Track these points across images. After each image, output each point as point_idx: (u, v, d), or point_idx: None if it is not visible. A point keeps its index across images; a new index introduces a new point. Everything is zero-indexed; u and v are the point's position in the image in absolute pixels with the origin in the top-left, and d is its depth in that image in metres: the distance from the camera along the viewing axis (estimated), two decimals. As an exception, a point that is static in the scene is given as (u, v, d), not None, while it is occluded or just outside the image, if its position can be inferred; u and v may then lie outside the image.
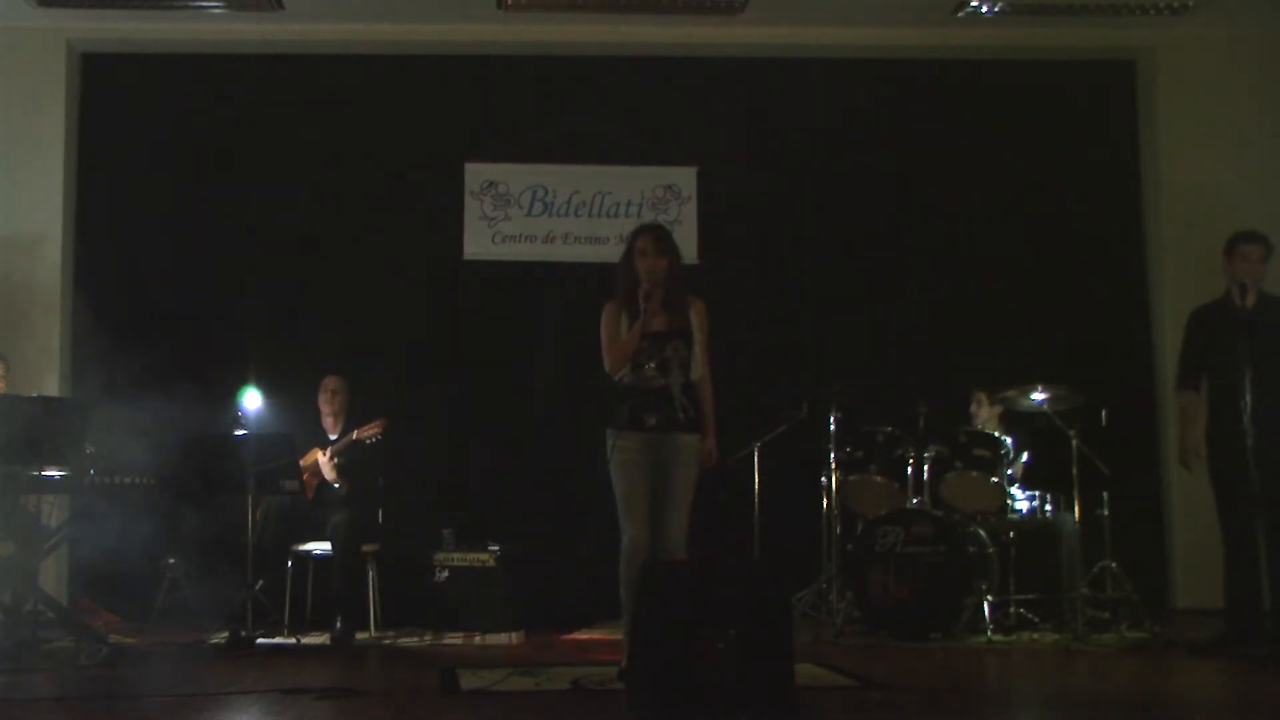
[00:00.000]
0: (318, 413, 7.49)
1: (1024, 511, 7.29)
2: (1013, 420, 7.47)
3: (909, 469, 7.34)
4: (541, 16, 8.11)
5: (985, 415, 7.55)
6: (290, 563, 7.23)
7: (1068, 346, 8.10)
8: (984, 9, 8.03)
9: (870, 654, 6.39)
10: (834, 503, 7.50)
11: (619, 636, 5.55)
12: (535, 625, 7.18)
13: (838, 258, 8.42)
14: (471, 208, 8.39)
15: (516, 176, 8.41)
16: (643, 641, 4.83)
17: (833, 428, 7.34)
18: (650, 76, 8.50)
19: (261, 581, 6.94)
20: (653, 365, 5.41)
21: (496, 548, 7.30)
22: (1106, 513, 7.09)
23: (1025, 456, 7.29)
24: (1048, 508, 7.29)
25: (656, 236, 5.53)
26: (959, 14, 8.09)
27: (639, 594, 4.98)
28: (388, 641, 6.97)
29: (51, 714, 5.04)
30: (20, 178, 8.03)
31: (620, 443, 5.38)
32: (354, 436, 7.15)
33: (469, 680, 5.45)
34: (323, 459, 7.22)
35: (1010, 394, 7.18)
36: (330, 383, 7.48)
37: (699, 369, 5.48)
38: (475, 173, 8.41)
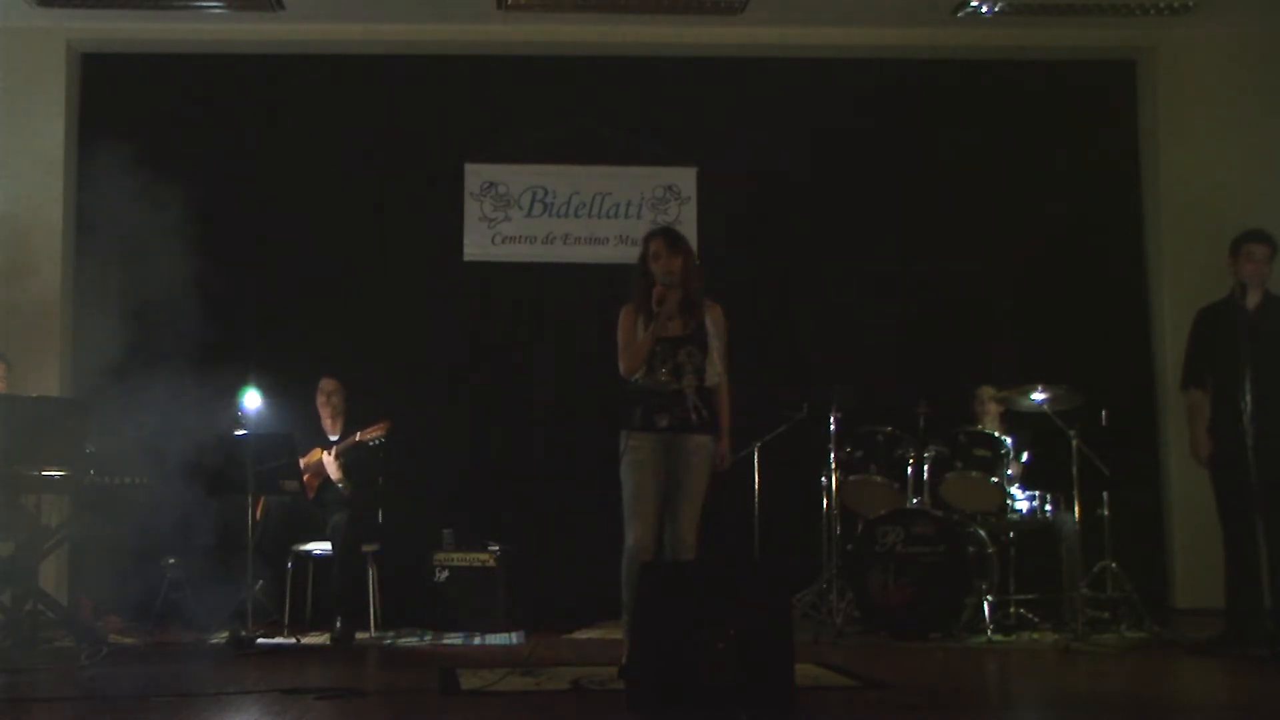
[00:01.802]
0: (318, 413, 7.49)
1: (1024, 511, 7.28)
2: (1013, 420, 7.46)
3: (909, 469, 7.34)
4: (541, 16, 8.11)
5: (993, 411, 7.53)
6: (290, 563, 7.23)
7: (1068, 346, 8.11)
8: (984, 9, 8.02)
9: (870, 654, 6.39)
10: (834, 503, 7.49)
11: (619, 636, 5.55)
12: (535, 625, 7.18)
13: (837, 257, 8.42)
14: (471, 208, 8.39)
15: (516, 177, 8.41)
16: (643, 641, 4.83)
17: (833, 428, 7.33)
18: (650, 76, 8.50)
19: (261, 581, 6.94)
20: (666, 370, 5.41)
21: (496, 548, 7.31)
22: (1106, 513, 7.09)
23: (1025, 456, 7.27)
24: (1048, 508, 7.28)
25: (668, 238, 5.54)
26: (959, 14, 8.09)
27: (639, 593, 4.98)
28: (388, 641, 6.96)
29: (51, 714, 5.04)
30: (20, 177, 8.02)
31: (632, 442, 5.38)
32: (357, 438, 7.14)
33: (469, 680, 5.45)
34: (328, 459, 7.21)
35: (1010, 394, 7.19)
36: (326, 385, 7.48)
37: (714, 374, 5.48)
38: (475, 173, 8.40)
